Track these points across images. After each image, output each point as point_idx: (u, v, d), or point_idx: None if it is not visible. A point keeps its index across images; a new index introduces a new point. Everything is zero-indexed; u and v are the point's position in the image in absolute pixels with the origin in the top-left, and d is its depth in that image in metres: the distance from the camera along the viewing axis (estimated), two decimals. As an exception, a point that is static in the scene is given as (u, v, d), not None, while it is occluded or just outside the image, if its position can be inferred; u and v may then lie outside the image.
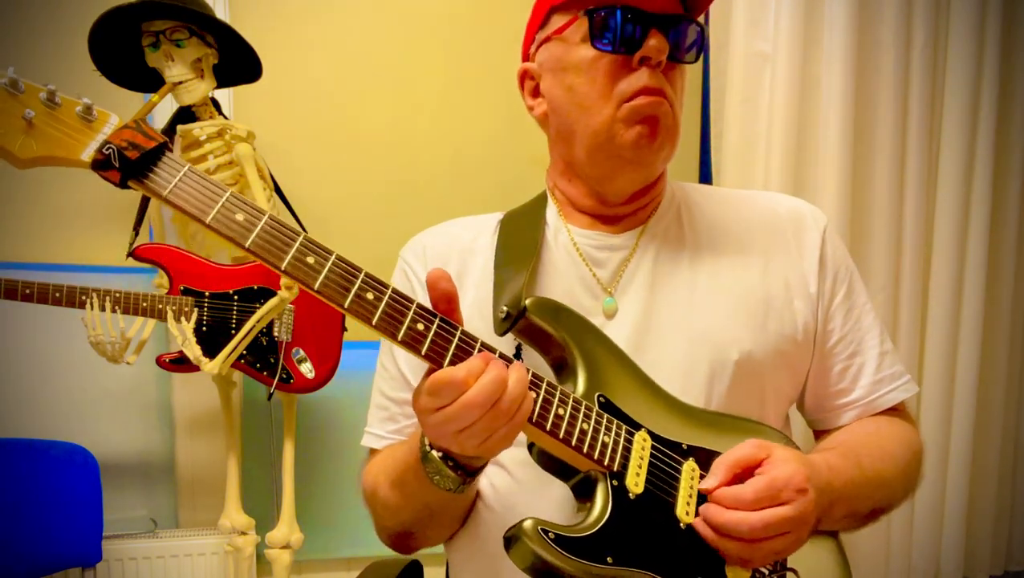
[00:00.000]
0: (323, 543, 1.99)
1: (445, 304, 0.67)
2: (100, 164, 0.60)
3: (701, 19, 0.90)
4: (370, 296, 0.65)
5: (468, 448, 0.66)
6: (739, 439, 0.78)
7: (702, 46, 0.87)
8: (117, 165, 0.60)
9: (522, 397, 0.66)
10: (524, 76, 0.94)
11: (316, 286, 0.63)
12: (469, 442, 0.65)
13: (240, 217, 0.62)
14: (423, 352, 0.66)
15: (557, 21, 0.88)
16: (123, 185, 0.61)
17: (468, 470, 0.74)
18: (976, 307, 1.91)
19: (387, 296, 0.65)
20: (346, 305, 0.64)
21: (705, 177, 2.04)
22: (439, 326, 0.67)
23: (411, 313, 0.66)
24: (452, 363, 0.67)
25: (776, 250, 0.92)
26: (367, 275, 0.65)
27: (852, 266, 0.96)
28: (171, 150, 0.62)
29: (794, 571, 0.79)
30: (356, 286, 0.64)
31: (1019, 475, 2.07)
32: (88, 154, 0.60)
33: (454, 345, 0.67)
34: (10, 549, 1.54)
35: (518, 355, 0.85)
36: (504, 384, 0.64)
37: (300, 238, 0.63)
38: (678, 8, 0.85)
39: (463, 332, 0.68)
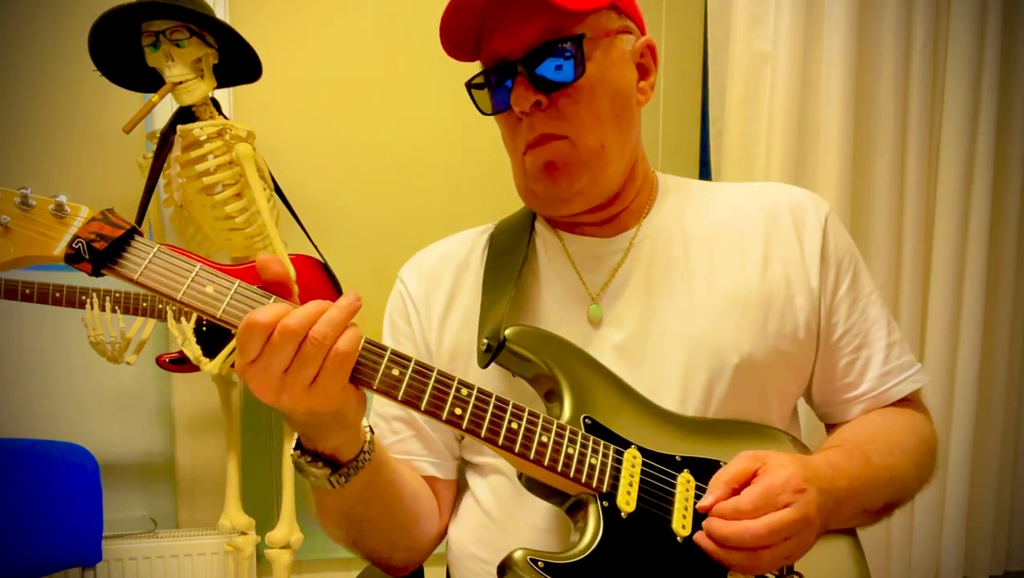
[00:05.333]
0: (323, 543, 1.99)
1: (279, 288, 0.67)
2: (72, 258, 0.63)
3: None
4: None
5: (298, 395, 0.63)
6: (736, 443, 0.78)
7: (580, 55, 0.80)
8: (87, 257, 0.62)
9: (342, 320, 0.63)
10: None
11: None
12: (295, 386, 0.63)
13: (210, 289, 0.64)
14: (399, 397, 0.67)
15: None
16: (96, 274, 0.63)
17: (332, 463, 0.73)
18: (976, 306, 1.91)
19: (360, 346, 0.66)
20: None
21: (705, 177, 2.04)
22: (414, 369, 0.68)
23: (385, 360, 0.67)
24: (431, 405, 0.68)
25: (776, 244, 0.89)
26: None
27: (857, 255, 0.93)
28: (140, 234, 0.65)
29: (799, 575, 0.77)
30: None
31: (1019, 475, 2.07)
32: (60, 249, 0.63)
33: (431, 384, 0.68)
34: (10, 549, 1.54)
35: None
36: (321, 311, 0.63)
37: (271, 300, 0.65)
38: (546, 28, 0.80)
39: (439, 372, 0.69)
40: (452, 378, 0.70)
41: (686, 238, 0.90)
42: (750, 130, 1.79)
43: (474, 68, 0.89)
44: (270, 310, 0.62)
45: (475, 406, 0.70)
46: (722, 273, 0.88)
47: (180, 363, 1.66)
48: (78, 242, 0.63)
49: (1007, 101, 1.91)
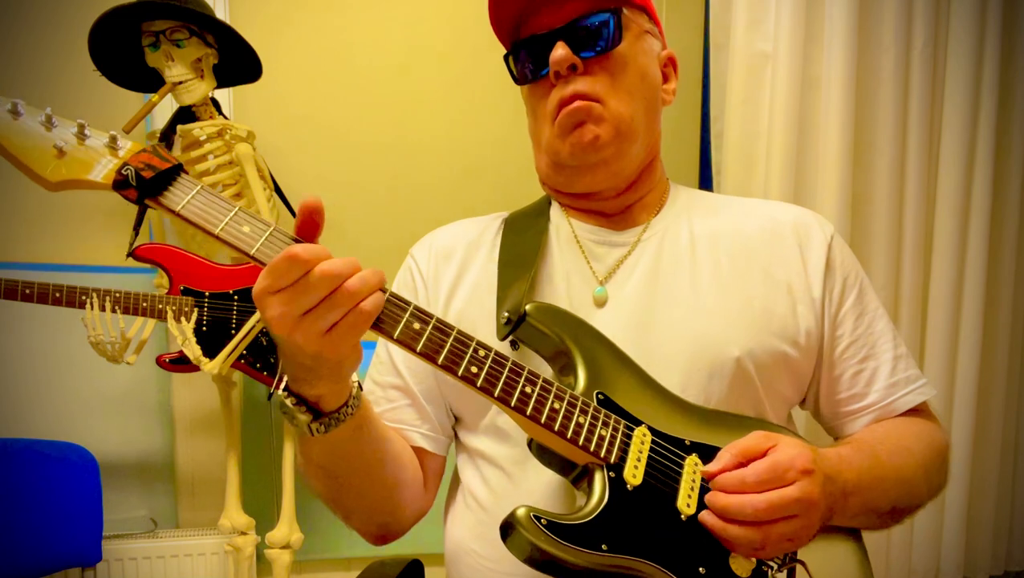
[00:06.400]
0: (323, 543, 1.99)
1: (311, 230, 0.68)
2: (119, 184, 0.65)
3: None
4: None
5: (312, 337, 0.64)
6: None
7: (618, 26, 0.88)
8: (134, 184, 0.64)
9: (374, 283, 0.65)
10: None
11: None
12: (313, 328, 0.64)
13: (247, 229, 0.66)
14: (418, 349, 0.69)
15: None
16: (140, 203, 0.66)
17: (315, 410, 0.73)
18: (976, 307, 1.91)
19: (385, 297, 0.68)
20: None
21: (705, 176, 2.04)
22: (435, 326, 0.70)
23: (408, 314, 0.69)
24: (448, 360, 0.70)
25: (780, 257, 0.92)
26: None
27: (862, 273, 0.96)
28: (186, 172, 0.67)
29: (802, 563, 0.78)
30: None
31: (1019, 476, 2.07)
32: (109, 174, 0.66)
33: (450, 341, 0.70)
34: (10, 549, 1.54)
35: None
36: (357, 267, 0.65)
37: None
38: (588, 7, 0.87)
39: (459, 332, 0.71)
40: (471, 338, 0.71)
41: (693, 240, 0.93)
42: (750, 130, 1.79)
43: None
44: (312, 248, 0.63)
45: (491, 367, 0.72)
46: (727, 276, 0.90)
47: (180, 363, 1.66)
48: (127, 169, 0.65)
49: (1007, 101, 1.91)
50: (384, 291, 0.68)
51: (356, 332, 0.66)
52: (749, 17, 1.76)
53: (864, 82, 1.79)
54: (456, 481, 0.97)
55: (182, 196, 0.66)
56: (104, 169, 0.65)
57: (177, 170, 0.66)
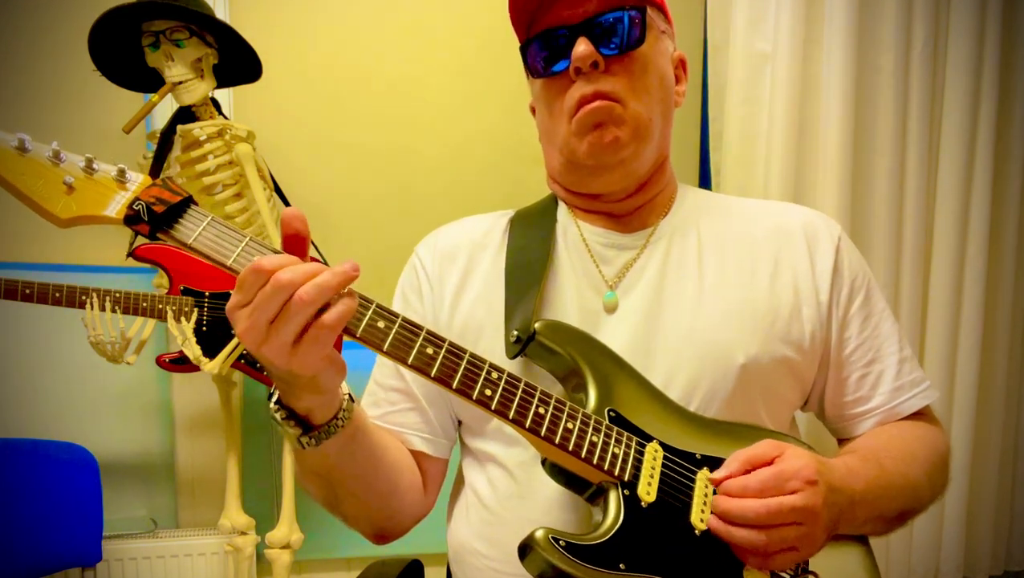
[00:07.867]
0: (323, 543, 1.99)
1: (296, 242, 0.68)
2: (131, 219, 0.65)
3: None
4: (381, 324, 0.68)
5: (278, 351, 0.63)
6: None
7: (642, 25, 0.86)
8: (146, 219, 0.65)
9: (330, 286, 0.62)
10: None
11: None
12: (277, 341, 0.63)
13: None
14: (432, 375, 0.69)
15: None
16: (152, 237, 0.66)
17: (305, 424, 0.73)
18: (976, 307, 1.91)
19: (397, 323, 0.69)
20: (359, 333, 0.68)
21: (705, 176, 2.04)
22: (448, 349, 0.70)
23: (420, 338, 0.69)
24: (462, 384, 0.70)
25: (787, 258, 0.91)
26: (379, 306, 0.69)
27: (869, 274, 0.96)
28: (196, 203, 0.67)
29: (814, 574, 0.79)
30: (368, 316, 0.68)
31: (1019, 476, 2.07)
32: (120, 210, 0.65)
33: (463, 365, 0.70)
34: (10, 549, 1.54)
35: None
36: (312, 274, 0.63)
37: None
38: (606, 4, 0.86)
39: (472, 355, 0.71)
40: (484, 361, 0.72)
41: (701, 242, 0.92)
42: (750, 130, 1.79)
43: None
44: (276, 259, 0.63)
45: (504, 389, 0.72)
46: (733, 279, 0.90)
47: (180, 363, 1.66)
48: (138, 204, 0.65)
49: (1007, 101, 1.91)
50: (365, 300, 0.67)
51: (323, 345, 0.64)
52: (749, 17, 1.76)
53: (864, 82, 1.79)
54: (460, 481, 0.97)
55: (193, 228, 0.66)
56: (115, 205, 0.65)
57: (187, 203, 0.66)
